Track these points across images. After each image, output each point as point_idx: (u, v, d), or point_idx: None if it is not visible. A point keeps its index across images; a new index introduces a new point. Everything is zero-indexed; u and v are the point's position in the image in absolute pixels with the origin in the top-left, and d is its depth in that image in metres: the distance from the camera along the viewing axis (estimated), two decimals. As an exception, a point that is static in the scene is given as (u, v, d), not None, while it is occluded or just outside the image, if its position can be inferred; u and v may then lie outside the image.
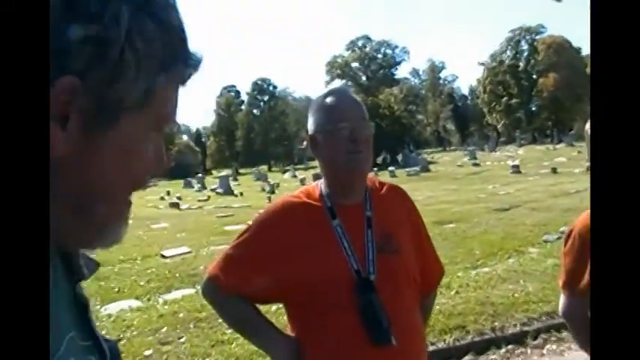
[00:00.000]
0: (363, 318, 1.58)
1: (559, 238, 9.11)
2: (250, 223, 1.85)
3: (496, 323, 5.11)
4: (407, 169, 41.92)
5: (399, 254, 1.71)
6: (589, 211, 1.96)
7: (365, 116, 1.73)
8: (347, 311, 1.60)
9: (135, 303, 6.53)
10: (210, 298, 1.84)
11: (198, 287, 6.82)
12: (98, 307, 6.39)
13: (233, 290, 1.71)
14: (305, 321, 1.70)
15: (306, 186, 1.89)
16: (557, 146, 51.12)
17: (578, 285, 1.97)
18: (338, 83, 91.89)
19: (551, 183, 21.45)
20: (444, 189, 24.48)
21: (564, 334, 4.93)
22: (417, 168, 41.69)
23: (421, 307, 1.86)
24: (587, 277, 1.90)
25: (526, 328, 5.09)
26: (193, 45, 0.64)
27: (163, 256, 9.53)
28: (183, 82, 0.66)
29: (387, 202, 1.80)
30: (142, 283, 7.51)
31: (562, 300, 2.09)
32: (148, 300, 6.73)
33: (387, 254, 1.68)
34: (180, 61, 0.63)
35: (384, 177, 39.63)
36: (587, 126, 1.97)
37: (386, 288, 1.63)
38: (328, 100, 1.72)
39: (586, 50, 68.80)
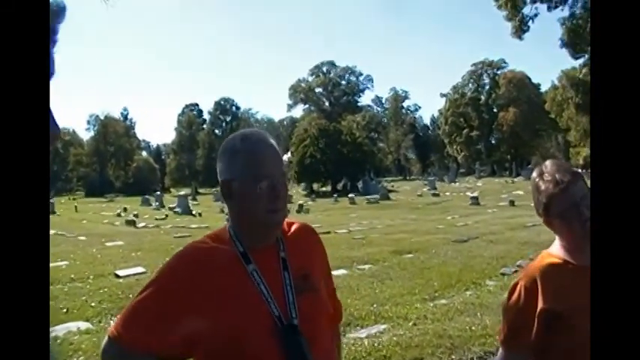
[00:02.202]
0: None
1: (516, 271, 9.23)
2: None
3: (453, 356, 5.09)
4: (367, 197, 42.22)
5: (316, 293, 1.66)
6: (535, 262, 1.97)
7: (284, 169, 1.66)
8: None
9: (84, 325, 6.30)
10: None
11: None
12: (45, 328, 6.15)
13: (138, 347, 1.55)
14: None
15: (213, 231, 1.77)
16: (516, 179, 52.31)
17: (521, 342, 1.91)
18: (301, 107, 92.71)
19: (509, 215, 21.83)
20: (404, 218, 24.68)
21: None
22: (376, 196, 42.05)
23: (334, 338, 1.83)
24: (528, 335, 1.87)
25: (482, 363, 5.08)
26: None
27: (117, 276, 9.30)
28: (53, 32, 0.65)
29: (297, 241, 1.74)
30: (93, 304, 7.27)
31: (501, 353, 2.02)
32: (99, 322, 6.50)
33: (306, 294, 1.63)
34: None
35: (344, 203, 39.81)
36: (534, 174, 1.97)
37: (308, 330, 1.57)
38: (248, 146, 1.61)
39: (545, 87, 71.11)
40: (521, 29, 27.50)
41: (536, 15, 27.50)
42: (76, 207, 42.34)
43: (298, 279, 1.64)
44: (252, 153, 1.59)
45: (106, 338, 1.62)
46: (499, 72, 79.43)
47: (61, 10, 0.65)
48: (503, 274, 9.04)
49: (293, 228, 1.78)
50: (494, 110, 79.21)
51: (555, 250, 1.95)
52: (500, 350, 2.02)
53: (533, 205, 1.98)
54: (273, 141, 1.67)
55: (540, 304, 1.84)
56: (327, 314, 1.70)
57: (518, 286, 1.93)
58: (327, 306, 1.70)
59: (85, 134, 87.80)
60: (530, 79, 76.05)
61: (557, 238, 1.95)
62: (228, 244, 1.64)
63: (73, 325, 6.22)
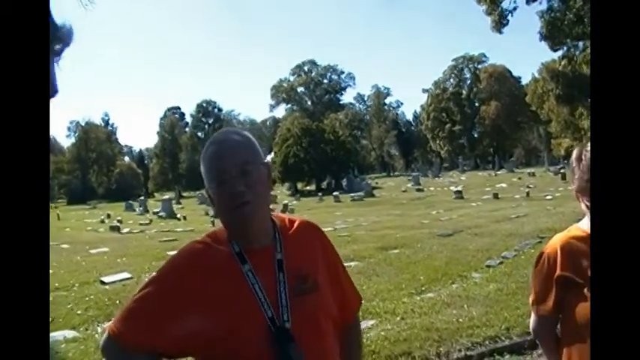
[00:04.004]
0: None
1: (501, 262, 9.32)
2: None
3: (441, 348, 5.13)
4: (351, 194, 42.28)
5: (316, 293, 1.64)
6: (562, 233, 2.06)
7: (249, 158, 1.60)
8: None
9: (70, 333, 6.24)
10: (110, 357, 1.66)
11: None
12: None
13: (137, 346, 1.56)
14: None
15: (214, 229, 1.77)
16: (499, 172, 52.72)
17: (544, 305, 2.06)
18: (283, 107, 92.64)
19: (493, 208, 22.01)
20: (389, 214, 24.75)
21: (507, 357, 5.01)
22: (361, 193, 42.14)
23: (350, 339, 1.83)
24: (551, 300, 2.02)
25: (470, 353, 5.12)
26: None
27: (103, 283, 9.22)
28: (57, 54, 0.68)
29: (299, 240, 1.72)
30: (79, 312, 7.21)
31: (532, 317, 2.18)
32: (86, 330, 6.45)
33: (304, 295, 1.61)
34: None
35: (329, 202, 39.85)
36: (575, 154, 2.04)
37: (304, 333, 1.56)
38: (209, 151, 1.62)
39: (525, 80, 71.77)
40: (500, 23, 27.61)
41: (515, 8, 27.62)
42: (58, 215, 41.80)
43: (296, 279, 1.62)
44: (210, 156, 1.61)
45: (106, 334, 1.63)
46: (480, 66, 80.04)
47: (69, 33, 0.65)
48: (488, 266, 9.10)
49: (294, 226, 1.76)
50: (476, 104, 79.86)
51: (583, 225, 2.04)
52: (532, 312, 2.17)
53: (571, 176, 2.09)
54: (238, 135, 1.65)
55: (558, 271, 1.97)
56: (329, 315, 1.68)
57: (543, 255, 2.07)
58: (330, 307, 1.68)
59: (66, 141, 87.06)
60: (510, 72, 76.83)
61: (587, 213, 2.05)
62: (225, 244, 1.63)
63: (59, 335, 6.15)
